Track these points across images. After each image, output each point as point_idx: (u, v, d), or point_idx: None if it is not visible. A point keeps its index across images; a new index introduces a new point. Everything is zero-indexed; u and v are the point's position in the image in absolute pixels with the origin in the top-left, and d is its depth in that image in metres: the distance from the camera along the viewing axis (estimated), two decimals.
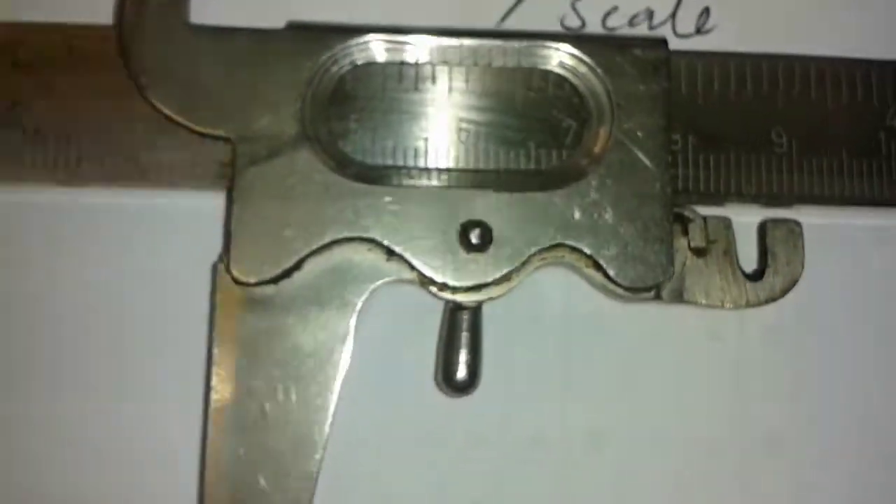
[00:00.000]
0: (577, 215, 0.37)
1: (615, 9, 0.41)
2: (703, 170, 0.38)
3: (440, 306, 0.38)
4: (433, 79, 0.38)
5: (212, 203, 0.38)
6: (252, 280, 0.36)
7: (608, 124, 0.38)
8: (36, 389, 0.39)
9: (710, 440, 0.40)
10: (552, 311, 0.40)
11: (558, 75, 0.38)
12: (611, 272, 0.37)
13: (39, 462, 0.39)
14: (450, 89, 0.38)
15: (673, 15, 0.41)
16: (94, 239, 0.39)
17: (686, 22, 0.41)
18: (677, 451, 0.40)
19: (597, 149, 0.38)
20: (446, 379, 0.38)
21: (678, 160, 0.39)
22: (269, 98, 0.37)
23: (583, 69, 0.38)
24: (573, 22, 0.41)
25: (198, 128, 0.37)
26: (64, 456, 0.39)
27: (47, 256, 0.40)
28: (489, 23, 0.41)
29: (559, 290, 0.40)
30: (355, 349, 0.37)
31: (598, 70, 0.38)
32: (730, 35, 0.41)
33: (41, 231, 0.40)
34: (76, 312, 0.39)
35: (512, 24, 0.41)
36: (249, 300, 0.37)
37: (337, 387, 0.37)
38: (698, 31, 0.41)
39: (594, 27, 0.41)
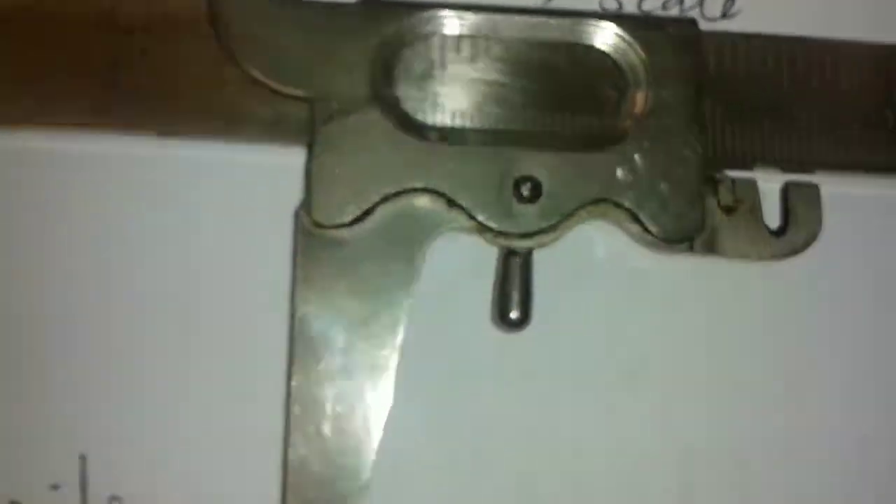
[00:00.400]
0: (618, 174, 0.42)
1: None
2: (730, 137, 0.43)
3: (494, 253, 0.43)
4: (488, 50, 0.43)
5: (292, 160, 0.42)
6: (330, 224, 0.41)
7: (645, 94, 0.42)
8: (116, 343, 0.43)
9: (737, 380, 0.45)
10: (596, 260, 0.44)
11: (600, 50, 0.43)
12: (649, 226, 0.42)
13: (108, 424, 0.43)
14: (503, 60, 0.43)
15: (701, 2, 0.46)
16: (184, 192, 0.44)
17: (713, 7, 0.46)
18: (710, 390, 0.44)
19: (635, 116, 0.42)
20: (501, 316, 0.42)
21: (708, 128, 0.43)
22: (343, 63, 0.41)
23: (622, 45, 0.43)
24: (611, 5, 0.46)
25: (281, 89, 0.41)
26: (141, 414, 0.43)
27: (139, 209, 0.43)
28: (538, 2, 0.45)
29: (602, 240, 0.44)
30: (419, 291, 0.41)
31: (636, 46, 0.43)
32: (753, 19, 0.46)
33: (136, 183, 0.44)
34: (162, 265, 0.43)
35: (557, 4, 0.45)
36: (327, 241, 0.41)
37: (402, 323, 0.41)
38: (724, 15, 0.46)
39: (630, 9, 0.46)
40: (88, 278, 0.43)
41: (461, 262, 0.44)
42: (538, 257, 0.42)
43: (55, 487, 0.42)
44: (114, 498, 0.42)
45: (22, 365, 0.42)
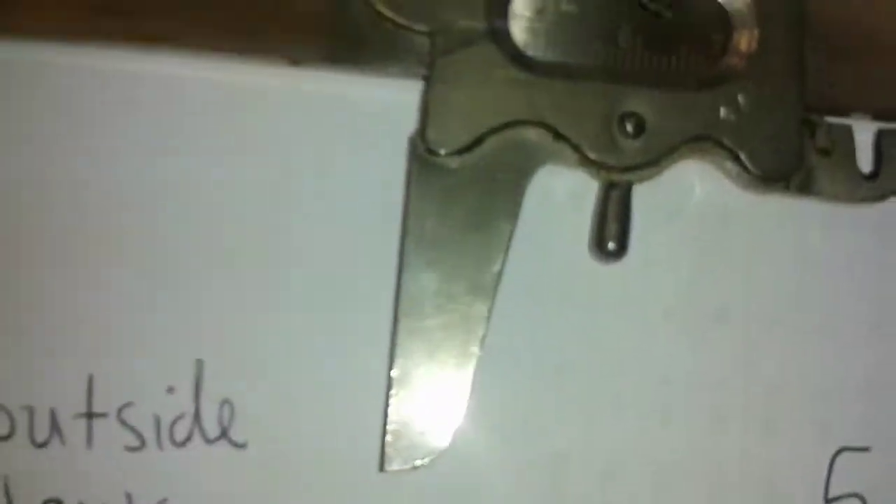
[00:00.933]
0: (720, 113, 0.44)
1: None
2: (828, 83, 0.45)
3: (593, 190, 0.45)
4: None
5: (406, 96, 0.44)
6: (442, 150, 0.43)
7: (750, 36, 0.44)
8: (234, 255, 0.45)
9: (823, 321, 0.47)
10: (692, 198, 0.46)
11: None
12: (748, 164, 0.43)
13: (224, 332, 0.45)
14: (611, 3, 0.45)
15: None
16: (306, 119, 0.46)
17: None
18: (796, 330, 0.46)
19: (740, 57, 0.44)
20: (598, 247, 0.44)
21: (807, 71, 0.45)
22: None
23: None
24: None
25: (403, 22, 0.43)
26: (255, 323, 0.45)
27: (256, 140, 0.45)
28: None
29: (699, 180, 0.46)
30: (521, 220, 0.43)
31: None
32: None
33: (255, 114, 0.45)
34: (279, 192, 0.45)
35: None
36: (439, 166, 0.43)
37: (504, 249, 0.44)
38: None
39: None
40: (204, 196, 0.45)
41: (562, 194, 0.46)
42: (637, 192, 0.44)
43: (170, 390, 0.44)
44: (226, 401, 0.43)
45: (141, 271, 0.45)
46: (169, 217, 0.45)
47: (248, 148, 0.46)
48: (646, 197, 0.45)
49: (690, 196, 0.47)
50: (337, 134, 0.46)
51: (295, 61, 0.44)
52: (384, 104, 0.45)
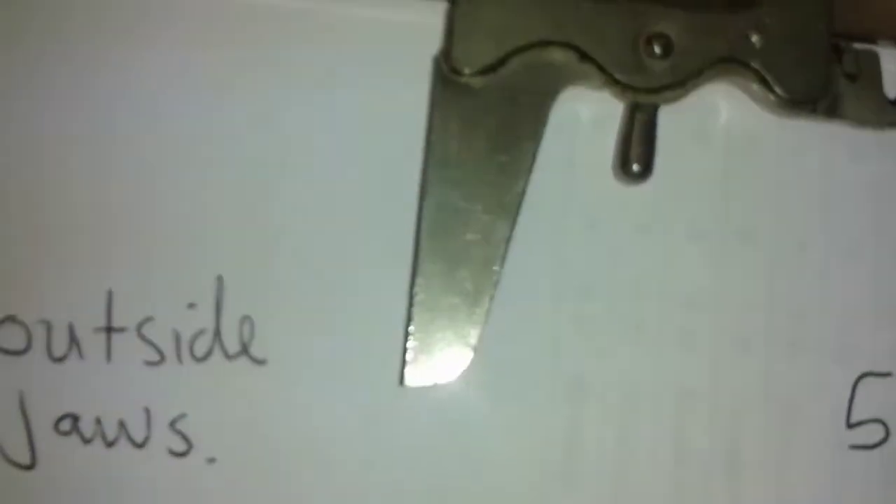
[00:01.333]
0: (749, 35, 0.43)
1: None
2: (854, 8, 0.45)
3: (617, 112, 0.45)
4: None
5: (431, 19, 0.44)
6: (466, 70, 0.43)
7: None
8: (255, 176, 0.45)
9: (847, 245, 0.47)
10: (717, 121, 0.46)
11: None
12: (775, 87, 0.43)
13: (244, 250, 0.45)
14: None
15: None
16: (329, 41, 0.46)
17: None
18: (820, 253, 0.47)
19: None
20: (623, 168, 0.44)
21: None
22: None
23: None
24: None
25: None
26: (277, 243, 0.45)
27: (277, 62, 0.45)
28: None
29: (725, 104, 0.46)
30: (545, 140, 0.44)
31: None
32: None
33: (276, 35, 0.45)
34: (302, 115, 0.45)
35: None
36: (462, 87, 0.43)
37: (528, 169, 0.44)
38: None
39: None
40: (225, 115, 0.46)
41: (587, 116, 0.46)
42: (662, 114, 0.44)
43: (191, 306, 0.44)
44: (246, 318, 0.43)
45: (162, 185, 0.45)
46: (192, 135, 0.45)
47: (266, 71, 0.46)
48: (671, 119, 0.45)
49: (716, 119, 0.47)
50: (360, 56, 0.46)
51: None
52: (408, 26, 0.45)
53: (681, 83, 0.44)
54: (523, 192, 0.44)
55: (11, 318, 0.44)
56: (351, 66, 0.46)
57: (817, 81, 0.44)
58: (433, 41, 0.44)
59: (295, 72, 0.46)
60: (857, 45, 0.45)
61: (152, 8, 0.45)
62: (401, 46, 0.46)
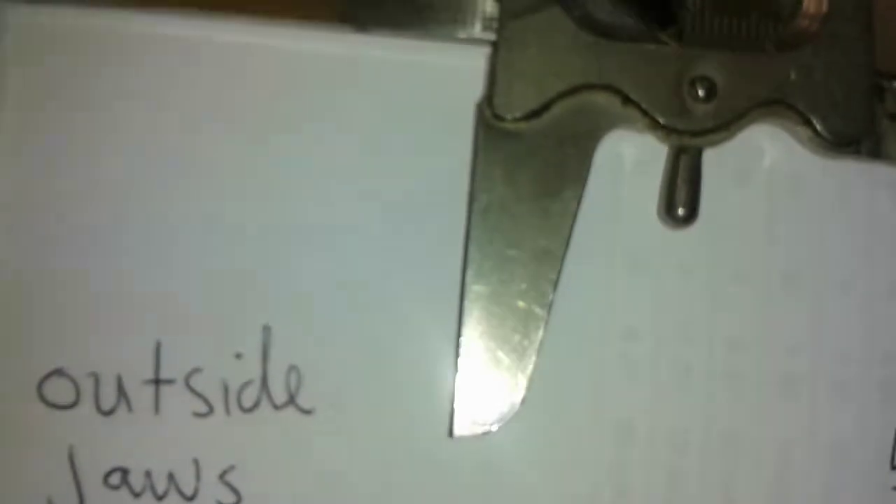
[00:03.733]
0: (792, 77, 0.45)
1: None
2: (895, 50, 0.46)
3: (662, 154, 0.46)
4: None
5: (471, 63, 0.46)
6: (509, 116, 0.45)
7: (820, 0, 0.46)
8: (301, 219, 0.46)
9: (892, 284, 0.48)
10: (762, 163, 0.48)
11: None
12: (819, 128, 0.45)
13: (292, 298, 0.46)
14: None
15: None
16: (371, 86, 0.47)
17: None
18: (866, 296, 0.48)
19: (811, 20, 0.45)
20: (668, 212, 0.46)
21: (876, 35, 0.46)
22: None
23: None
24: None
25: None
26: (325, 291, 0.46)
27: (320, 108, 0.47)
28: None
29: (770, 145, 0.48)
30: (590, 184, 0.45)
31: None
32: None
33: (316, 81, 0.47)
34: (315, 167, 0.47)
35: None
36: (506, 133, 0.45)
37: (573, 214, 0.45)
38: None
39: None
40: (269, 165, 0.47)
41: (631, 159, 0.48)
42: (706, 156, 0.45)
43: (238, 356, 0.46)
44: (293, 367, 0.45)
45: (207, 238, 0.46)
46: (231, 187, 0.46)
47: (310, 117, 0.47)
48: (715, 161, 0.46)
49: (760, 160, 0.48)
50: (402, 101, 0.47)
51: (360, 27, 0.45)
52: (450, 70, 0.47)
53: (725, 126, 0.45)
54: (569, 237, 0.45)
55: (59, 372, 0.45)
56: (394, 111, 0.47)
57: (861, 122, 0.45)
58: (477, 85, 0.46)
59: (338, 119, 0.47)
60: None
61: (193, 54, 0.46)
62: (444, 91, 0.47)
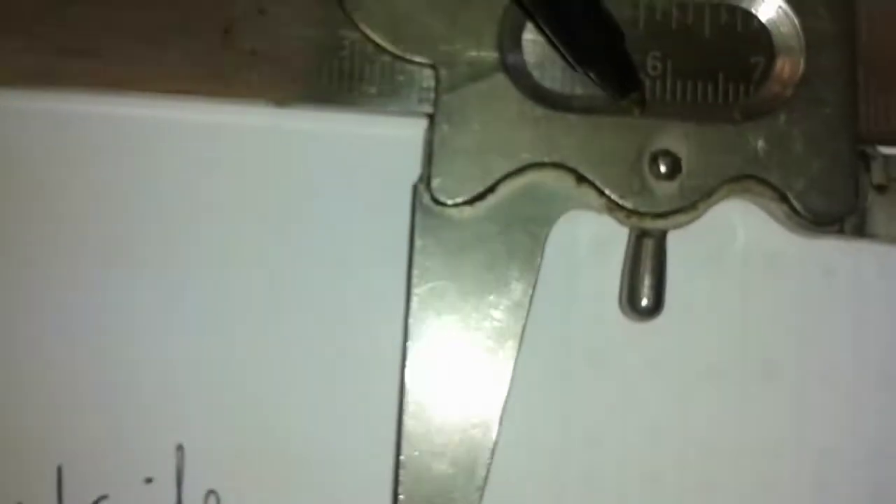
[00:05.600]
0: (764, 148, 0.41)
1: None
2: (883, 109, 0.43)
3: (623, 235, 0.43)
4: (623, 11, 0.42)
5: (410, 132, 0.43)
6: (450, 201, 0.41)
7: (796, 61, 0.42)
8: (216, 328, 0.43)
9: (880, 377, 0.44)
10: (734, 242, 0.44)
11: (746, 11, 0.43)
12: (797, 205, 0.41)
13: (205, 416, 0.43)
14: (639, 22, 0.43)
15: None
16: (297, 161, 0.44)
17: None
18: (851, 387, 0.44)
19: (784, 85, 0.42)
20: (631, 304, 0.42)
21: (859, 98, 0.42)
22: (471, 25, 0.41)
23: (769, 6, 0.42)
24: None
25: (403, 54, 0.41)
26: (242, 407, 0.43)
27: (247, 180, 0.44)
28: None
29: (741, 221, 0.44)
30: (542, 272, 0.41)
31: (785, 7, 0.42)
32: None
33: (249, 153, 0.44)
34: (272, 235, 0.44)
35: None
36: (447, 218, 0.41)
37: (525, 307, 0.41)
38: None
39: None
40: (190, 258, 0.44)
41: (587, 242, 0.44)
42: (672, 236, 0.42)
43: (149, 481, 0.42)
44: (211, 492, 0.41)
45: (116, 358, 0.43)
46: (145, 294, 0.44)
47: (233, 194, 0.44)
48: (682, 241, 0.43)
49: (733, 239, 0.45)
50: (329, 177, 0.45)
51: (279, 102, 0.42)
52: (384, 140, 0.44)
53: (691, 206, 0.42)
54: (521, 336, 0.42)
55: None
56: (317, 188, 0.45)
57: (844, 197, 0.42)
58: (416, 155, 0.43)
59: (256, 196, 0.45)
60: (886, 151, 0.43)
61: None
62: (378, 163, 0.45)
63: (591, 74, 0.41)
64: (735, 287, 0.44)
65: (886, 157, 0.43)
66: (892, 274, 0.44)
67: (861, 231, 0.43)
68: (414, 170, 0.42)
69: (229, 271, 0.43)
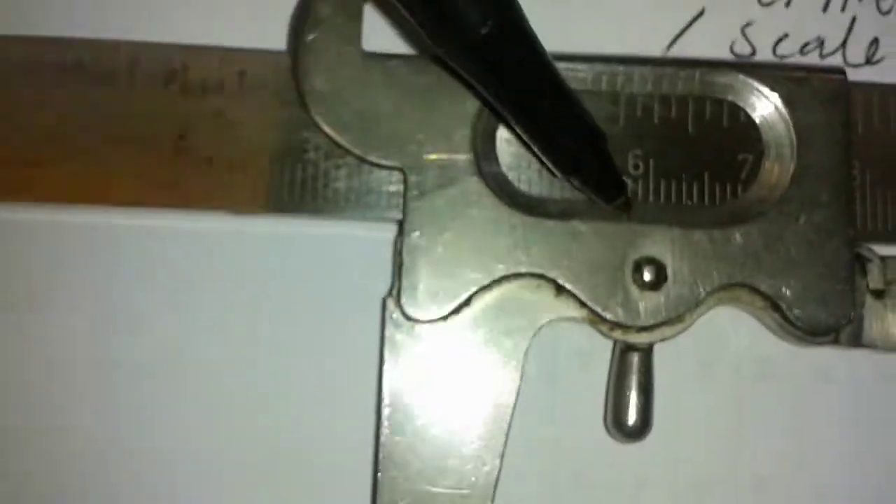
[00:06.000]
0: (755, 254, 0.39)
1: (786, 36, 0.43)
2: (881, 206, 0.40)
3: (607, 346, 0.40)
4: (602, 108, 0.40)
5: (381, 235, 0.41)
6: (423, 317, 0.38)
7: (787, 158, 0.40)
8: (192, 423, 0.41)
9: (878, 490, 0.42)
10: (723, 353, 0.42)
11: (732, 105, 0.40)
12: (790, 314, 0.39)
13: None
14: (619, 119, 0.40)
15: (843, 43, 0.43)
16: (261, 268, 0.42)
17: (856, 51, 0.43)
18: (844, 498, 0.42)
19: (775, 184, 0.40)
20: (616, 424, 0.40)
21: (856, 196, 0.40)
22: (441, 127, 0.39)
23: (759, 99, 0.40)
24: (743, 49, 0.43)
25: (370, 158, 0.39)
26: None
27: (210, 286, 0.42)
28: (656, 49, 0.43)
29: (730, 330, 0.42)
30: (522, 388, 0.39)
31: (776, 101, 0.40)
32: None
33: (207, 260, 0.42)
34: (235, 342, 0.42)
35: (680, 49, 0.43)
36: (418, 336, 0.39)
37: (506, 428, 0.39)
38: (868, 61, 0.43)
39: (765, 54, 0.43)
40: (162, 362, 0.42)
41: (568, 352, 0.42)
42: (657, 348, 0.40)
43: None
44: None
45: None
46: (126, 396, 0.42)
47: (196, 299, 0.43)
48: (670, 351, 0.40)
49: (724, 347, 0.42)
50: (303, 279, 0.43)
51: (238, 211, 0.40)
52: (356, 241, 0.42)
53: (678, 317, 0.39)
54: (500, 462, 0.39)
55: None
56: (293, 290, 0.43)
57: (840, 306, 0.40)
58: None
59: (216, 300, 0.42)
60: (884, 251, 0.41)
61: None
62: (351, 265, 0.43)
63: (574, 181, 0.38)
64: (726, 398, 0.42)
65: (884, 259, 0.40)
66: (892, 380, 0.42)
67: (858, 340, 0.40)
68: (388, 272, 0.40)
69: (193, 375, 0.42)
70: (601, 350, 0.41)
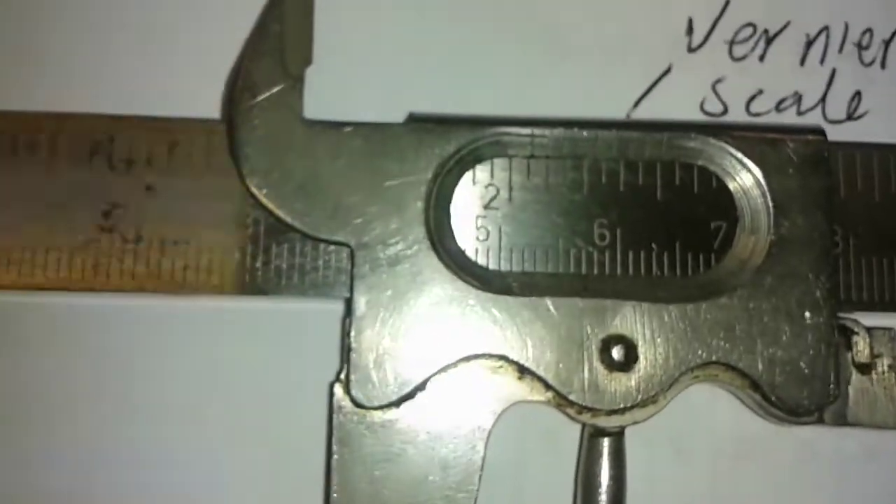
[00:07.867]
0: (731, 330, 0.38)
1: (760, 92, 0.41)
2: (866, 275, 0.39)
3: (576, 427, 0.39)
4: (565, 174, 0.39)
5: (329, 308, 0.39)
6: (373, 404, 0.37)
7: (763, 226, 0.38)
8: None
9: None
10: (699, 433, 0.41)
11: (704, 170, 0.39)
12: (770, 394, 0.37)
13: None
14: (583, 186, 0.38)
15: (823, 98, 0.41)
16: (203, 347, 0.41)
17: (837, 106, 0.41)
18: None
19: (751, 254, 0.38)
20: None
21: (839, 265, 0.38)
22: (391, 198, 0.37)
23: (732, 163, 0.38)
24: (714, 107, 0.41)
25: (314, 233, 0.37)
26: None
27: (150, 365, 0.41)
28: (621, 108, 0.41)
29: (707, 409, 0.41)
30: (484, 476, 0.37)
31: (749, 165, 0.38)
32: (883, 121, 0.41)
33: (142, 340, 0.41)
34: (185, 420, 0.41)
35: (647, 109, 0.41)
36: (369, 424, 0.37)
37: None
38: (850, 117, 0.41)
39: (737, 112, 0.41)
40: (125, 443, 0.41)
41: (533, 440, 0.41)
42: (628, 433, 0.38)
43: None
44: None
45: None
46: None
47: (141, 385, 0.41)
48: (643, 433, 0.39)
49: (701, 427, 0.41)
50: (247, 358, 0.42)
51: (168, 293, 0.39)
52: (302, 319, 0.41)
53: (651, 399, 0.37)
54: None
55: None
56: (239, 369, 0.41)
57: (823, 384, 0.38)
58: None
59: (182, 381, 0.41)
60: (869, 322, 0.39)
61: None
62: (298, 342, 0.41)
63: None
64: (704, 480, 0.41)
65: (870, 331, 0.39)
66: (879, 456, 0.41)
67: (843, 418, 0.39)
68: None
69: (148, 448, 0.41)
70: (570, 430, 0.40)
